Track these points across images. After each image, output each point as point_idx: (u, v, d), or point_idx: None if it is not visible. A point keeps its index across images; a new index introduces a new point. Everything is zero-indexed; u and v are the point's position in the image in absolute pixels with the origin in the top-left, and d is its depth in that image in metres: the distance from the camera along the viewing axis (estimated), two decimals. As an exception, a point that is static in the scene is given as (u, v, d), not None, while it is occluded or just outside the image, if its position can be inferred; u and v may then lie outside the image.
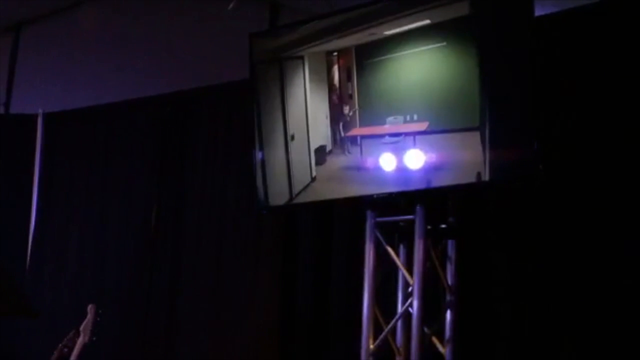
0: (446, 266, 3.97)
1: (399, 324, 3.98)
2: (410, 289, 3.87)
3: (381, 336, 3.94)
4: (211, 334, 5.20)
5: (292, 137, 4.39)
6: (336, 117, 4.23)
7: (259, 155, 4.46)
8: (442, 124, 3.81)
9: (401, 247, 4.07)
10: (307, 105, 4.36)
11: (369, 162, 4.01)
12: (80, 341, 4.12)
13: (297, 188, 4.35)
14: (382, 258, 4.03)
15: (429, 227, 3.82)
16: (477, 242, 4.06)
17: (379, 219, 4.02)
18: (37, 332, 5.81)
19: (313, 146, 4.31)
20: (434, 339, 3.92)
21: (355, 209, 4.42)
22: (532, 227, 3.93)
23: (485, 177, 3.62)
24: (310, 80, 4.35)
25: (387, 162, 3.88)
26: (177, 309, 5.41)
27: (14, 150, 6.42)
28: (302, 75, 4.37)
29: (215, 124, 5.52)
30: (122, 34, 6.14)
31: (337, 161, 4.21)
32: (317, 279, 4.80)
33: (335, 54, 4.26)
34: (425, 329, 3.82)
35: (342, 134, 4.19)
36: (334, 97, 4.25)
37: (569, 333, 3.79)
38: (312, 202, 4.36)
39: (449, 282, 3.94)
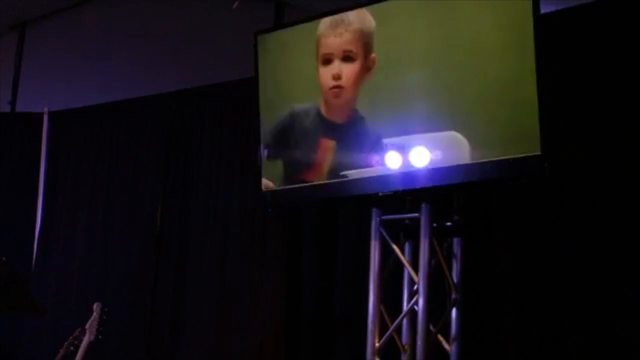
0: (451, 264, 3.96)
1: (405, 321, 3.98)
2: (415, 287, 3.86)
3: (387, 334, 3.94)
4: (216, 332, 5.21)
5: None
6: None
7: (264, 152, 4.47)
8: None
9: (406, 245, 4.06)
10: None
11: (375, 159, 3.99)
12: (86, 339, 4.14)
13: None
14: (387, 256, 4.03)
15: (434, 225, 3.82)
16: (482, 240, 4.06)
17: (384, 217, 4.02)
18: (42, 330, 5.84)
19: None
20: (440, 337, 3.92)
21: (360, 206, 4.42)
22: (538, 225, 3.93)
23: (491, 175, 3.62)
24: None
25: (392, 160, 3.87)
26: (183, 308, 5.41)
27: (19, 149, 6.44)
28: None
29: (220, 121, 5.52)
30: (127, 32, 6.16)
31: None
32: (323, 277, 4.80)
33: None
34: (431, 327, 3.82)
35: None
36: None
37: (574, 331, 3.78)
38: (317, 200, 4.38)
39: (454, 280, 3.94)
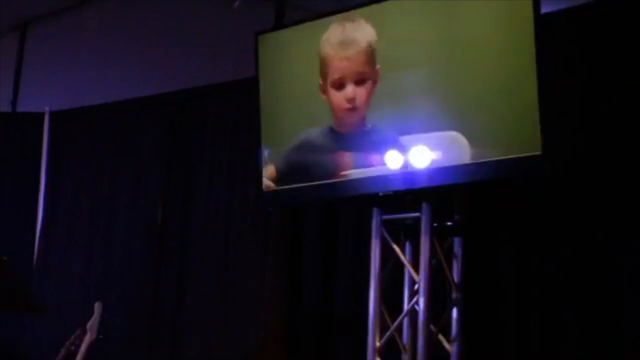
0: (452, 264, 3.97)
1: (405, 321, 3.99)
2: (416, 287, 3.87)
3: (387, 333, 3.95)
4: (217, 332, 5.22)
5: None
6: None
7: (265, 152, 4.47)
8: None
9: (407, 244, 4.07)
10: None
11: (375, 159, 4.00)
12: (86, 339, 4.14)
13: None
14: (388, 256, 4.03)
15: (435, 224, 3.83)
16: (483, 240, 4.07)
17: (385, 217, 4.02)
18: (43, 329, 5.84)
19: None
20: (440, 337, 3.92)
21: (361, 206, 4.43)
22: (538, 225, 3.93)
23: (492, 174, 3.62)
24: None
25: (393, 160, 3.87)
26: (184, 306, 5.42)
27: (20, 149, 6.44)
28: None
29: (221, 121, 5.54)
30: (128, 32, 6.16)
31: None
32: (324, 277, 4.81)
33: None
34: (432, 327, 3.83)
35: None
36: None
37: (575, 330, 3.79)
38: (318, 200, 4.38)
39: (455, 280, 3.95)
